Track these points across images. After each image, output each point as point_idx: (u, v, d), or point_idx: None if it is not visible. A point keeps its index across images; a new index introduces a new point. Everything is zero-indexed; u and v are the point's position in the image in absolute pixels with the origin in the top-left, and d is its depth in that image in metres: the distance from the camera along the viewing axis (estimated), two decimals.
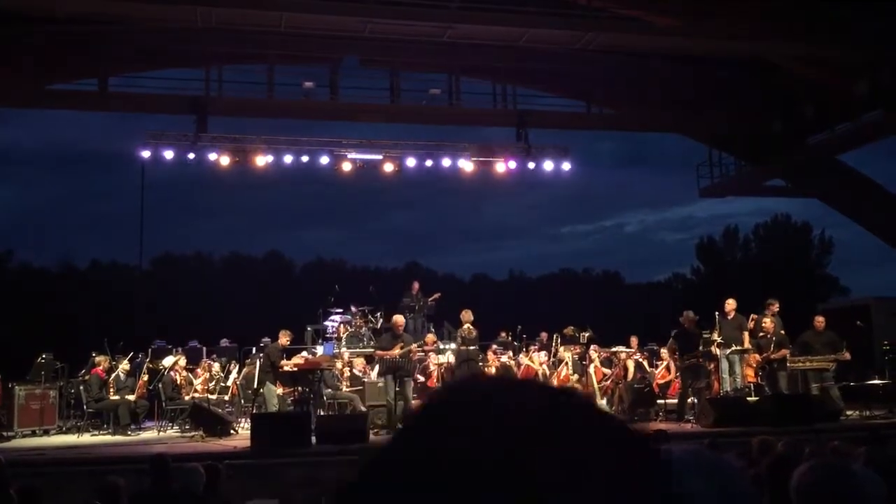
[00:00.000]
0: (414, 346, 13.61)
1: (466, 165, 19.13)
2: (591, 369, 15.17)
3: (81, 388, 14.14)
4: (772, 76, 19.70)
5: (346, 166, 18.64)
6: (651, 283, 52.55)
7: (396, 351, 12.96)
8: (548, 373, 14.79)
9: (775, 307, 14.30)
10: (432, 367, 15.32)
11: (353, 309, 17.60)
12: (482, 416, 0.66)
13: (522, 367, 15.32)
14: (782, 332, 14.05)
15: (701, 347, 13.83)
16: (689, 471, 1.04)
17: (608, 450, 0.66)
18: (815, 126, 20.07)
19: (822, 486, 1.37)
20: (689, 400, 13.66)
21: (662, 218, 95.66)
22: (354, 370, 15.00)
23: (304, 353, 14.73)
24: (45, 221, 67.30)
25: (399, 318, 13.79)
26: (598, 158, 76.43)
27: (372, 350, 16.29)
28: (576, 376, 14.39)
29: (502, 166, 19.33)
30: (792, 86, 19.73)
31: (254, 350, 16.36)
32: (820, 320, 14.03)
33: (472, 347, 14.25)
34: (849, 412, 13.47)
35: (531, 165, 19.34)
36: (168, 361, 14.72)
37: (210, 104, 18.41)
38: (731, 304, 14.05)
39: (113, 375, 14.17)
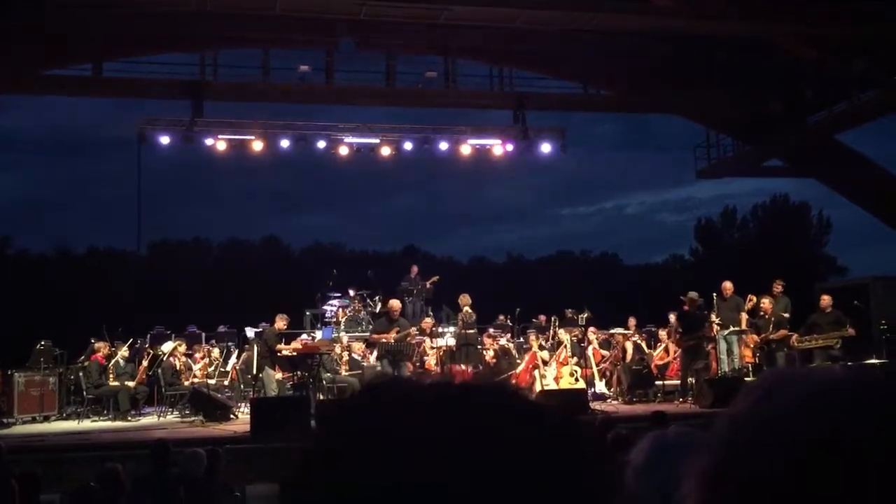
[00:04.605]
0: (412, 331, 13.57)
1: (464, 148, 19.07)
2: (590, 351, 15.21)
3: (81, 374, 14.16)
4: (770, 56, 19.61)
5: (343, 150, 18.57)
6: (649, 264, 52.54)
7: (392, 335, 12.92)
8: (547, 357, 14.81)
9: (779, 287, 14.38)
10: (429, 352, 15.33)
11: (352, 293, 17.62)
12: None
13: (527, 355, 15.30)
14: (785, 313, 14.10)
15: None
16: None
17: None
18: (813, 106, 20.03)
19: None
20: (689, 380, 13.72)
21: (663, 199, 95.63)
22: (353, 354, 15.01)
23: (304, 337, 14.74)
24: (42, 207, 67.17)
25: (395, 303, 13.66)
26: (598, 141, 76.07)
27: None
28: (574, 358, 14.42)
29: (500, 149, 19.26)
30: (790, 66, 19.65)
31: (252, 334, 16.39)
32: (825, 299, 14.09)
33: (471, 331, 14.27)
34: None
35: (529, 148, 19.28)
36: (167, 347, 14.72)
37: (206, 88, 18.33)
38: (727, 285, 14.14)
39: (112, 361, 14.19)
